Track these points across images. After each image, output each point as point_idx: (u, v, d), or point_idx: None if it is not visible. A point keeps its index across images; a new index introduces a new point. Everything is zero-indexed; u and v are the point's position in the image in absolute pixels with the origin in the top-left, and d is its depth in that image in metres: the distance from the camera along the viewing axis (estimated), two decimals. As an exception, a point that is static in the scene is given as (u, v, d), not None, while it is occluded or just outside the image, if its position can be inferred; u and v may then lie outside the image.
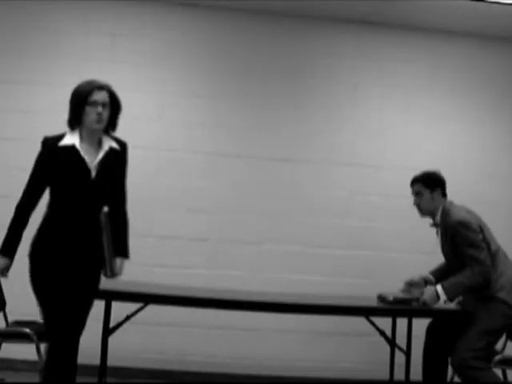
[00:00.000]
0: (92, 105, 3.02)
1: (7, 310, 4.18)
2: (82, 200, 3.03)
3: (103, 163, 3.08)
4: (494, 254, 3.80)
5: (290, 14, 5.31)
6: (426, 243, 4.82)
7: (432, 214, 3.95)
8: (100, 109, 3.02)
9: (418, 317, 4.01)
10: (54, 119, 5.03)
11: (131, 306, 3.84)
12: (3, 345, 3.95)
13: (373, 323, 4.02)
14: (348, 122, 5.40)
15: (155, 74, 5.21)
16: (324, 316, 4.57)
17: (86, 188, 3.03)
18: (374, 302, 4.07)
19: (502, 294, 3.74)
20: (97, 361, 3.79)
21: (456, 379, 4.30)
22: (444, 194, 3.96)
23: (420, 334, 4.03)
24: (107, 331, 3.71)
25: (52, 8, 5.14)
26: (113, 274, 3.16)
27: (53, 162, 3.03)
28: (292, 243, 5.22)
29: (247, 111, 5.30)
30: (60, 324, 2.95)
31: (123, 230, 3.33)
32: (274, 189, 5.26)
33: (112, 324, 3.75)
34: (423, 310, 3.97)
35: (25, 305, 4.54)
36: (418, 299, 3.83)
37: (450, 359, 3.86)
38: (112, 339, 3.77)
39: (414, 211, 5.35)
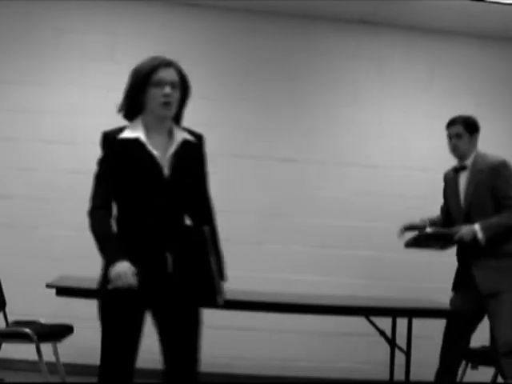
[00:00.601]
0: (157, 85, 2.41)
1: (7, 310, 4.18)
2: (155, 207, 2.40)
3: (178, 157, 2.44)
4: None
5: (290, 14, 5.31)
6: (426, 243, 4.81)
7: (463, 158, 3.87)
8: (168, 90, 2.41)
9: (418, 317, 4.01)
10: (54, 119, 5.07)
11: (131, 306, 3.84)
12: (3, 345, 3.95)
13: (373, 323, 4.02)
14: (348, 122, 5.40)
15: (155, 74, 5.19)
16: (324, 316, 4.57)
17: (160, 190, 2.40)
18: (374, 302, 4.07)
19: None
20: (97, 361, 3.78)
21: (465, 379, 4.31)
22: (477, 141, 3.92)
23: (420, 334, 4.04)
24: (107, 331, 3.70)
25: (52, 7, 5.14)
26: (220, 301, 2.52)
27: (115, 161, 2.41)
28: (292, 243, 5.22)
29: (247, 111, 5.30)
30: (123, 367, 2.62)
31: (215, 246, 2.70)
32: (274, 189, 5.26)
33: (112, 324, 3.74)
34: (423, 310, 3.97)
35: (25, 305, 4.57)
36: (452, 235, 3.72)
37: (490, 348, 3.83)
38: (112, 339, 3.76)
39: (414, 211, 5.35)
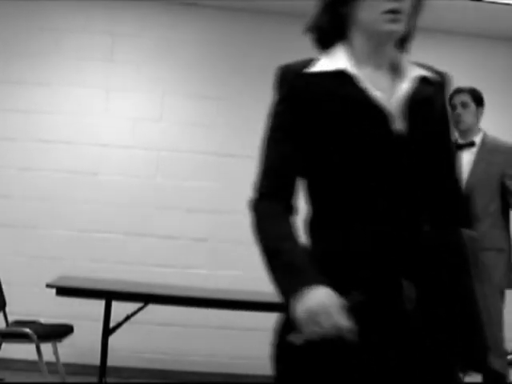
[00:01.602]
0: None
1: (7, 310, 4.19)
2: (381, 189, 1.35)
3: (415, 104, 1.39)
4: None
5: (290, 14, 5.31)
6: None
7: (466, 132, 3.54)
8: None
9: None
10: (54, 119, 5.07)
11: (131, 306, 3.84)
12: (3, 345, 3.95)
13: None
14: (348, 122, 5.40)
15: (155, 74, 5.21)
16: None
17: (389, 157, 1.36)
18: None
19: None
20: (97, 361, 3.79)
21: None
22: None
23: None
24: (107, 331, 3.72)
25: (52, 7, 5.14)
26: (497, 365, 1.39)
27: (302, 111, 1.40)
28: (292, 243, 5.21)
29: (247, 111, 5.30)
30: None
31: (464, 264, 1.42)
32: (274, 189, 5.26)
33: (112, 324, 3.75)
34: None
35: (25, 305, 4.57)
36: None
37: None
38: (112, 339, 3.77)
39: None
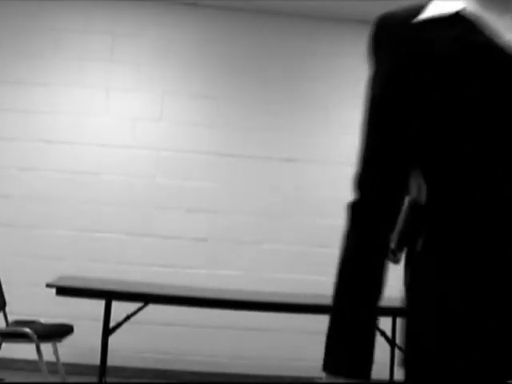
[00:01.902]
0: None
1: (7, 309, 4.19)
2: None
3: None
4: None
5: (290, 14, 5.31)
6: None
7: None
8: None
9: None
10: (54, 119, 5.07)
11: (131, 306, 3.85)
12: (3, 344, 3.95)
13: (373, 323, 4.02)
14: (348, 122, 5.40)
15: (155, 74, 5.21)
16: (324, 315, 4.57)
17: None
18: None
19: None
20: (97, 361, 3.79)
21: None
22: None
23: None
24: (107, 331, 3.72)
25: (52, 8, 5.15)
26: None
27: (415, 71, 1.09)
28: (292, 243, 5.22)
29: (247, 111, 5.30)
30: None
31: None
32: (274, 189, 5.27)
33: (112, 324, 3.75)
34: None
35: (25, 305, 4.58)
36: None
37: None
38: (112, 339, 3.77)
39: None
